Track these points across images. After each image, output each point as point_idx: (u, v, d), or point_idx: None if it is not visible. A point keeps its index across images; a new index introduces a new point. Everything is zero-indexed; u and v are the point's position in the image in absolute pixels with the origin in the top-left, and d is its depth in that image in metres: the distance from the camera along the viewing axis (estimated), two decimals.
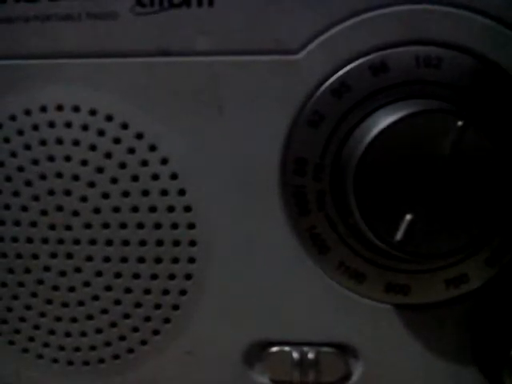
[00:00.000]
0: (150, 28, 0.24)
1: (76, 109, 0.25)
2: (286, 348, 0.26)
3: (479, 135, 0.22)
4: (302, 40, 0.24)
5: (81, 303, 0.26)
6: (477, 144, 0.22)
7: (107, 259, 0.26)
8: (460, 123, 0.22)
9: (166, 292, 0.26)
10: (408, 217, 0.22)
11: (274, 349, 0.26)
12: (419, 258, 0.22)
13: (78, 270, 0.26)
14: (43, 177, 0.25)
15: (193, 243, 0.25)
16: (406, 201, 0.22)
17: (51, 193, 0.25)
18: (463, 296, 0.25)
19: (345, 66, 0.24)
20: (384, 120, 0.22)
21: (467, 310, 0.25)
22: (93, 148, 0.25)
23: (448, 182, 0.22)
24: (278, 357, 0.26)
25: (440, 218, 0.22)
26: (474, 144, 0.22)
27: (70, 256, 0.26)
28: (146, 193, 0.25)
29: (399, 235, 0.22)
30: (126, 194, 0.25)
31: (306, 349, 0.26)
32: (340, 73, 0.24)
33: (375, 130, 0.22)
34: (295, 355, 0.26)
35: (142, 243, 0.25)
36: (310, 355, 0.26)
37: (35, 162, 0.25)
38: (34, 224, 0.26)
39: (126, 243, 0.25)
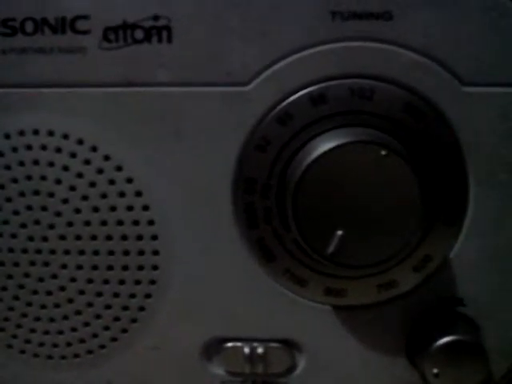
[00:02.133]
0: (115, 61, 0.27)
1: (50, 133, 0.28)
2: (239, 343, 0.29)
3: (401, 162, 0.25)
4: (251, 73, 0.27)
5: (57, 305, 0.29)
6: (398, 170, 0.25)
7: (80, 267, 0.29)
8: (383, 152, 0.25)
9: (132, 296, 0.29)
10: (339, 232, 0.25)
11: (229, 344, 0.29)
12: (348, 268, 0.26)
13: (54, 276, 0.29)
14: (22, 194, 0.28)
15: (156, 252, 0.28)
16: (338, 218, 0.25)
17: (29, 208, 0.28)
18: (393, 298, 0.28)
19: (288, 97, 0.27)
20: (320, 147, 0.26)
21: (398, 310, 0.28)
22: (66, 168, 0.28)
23: (374, 203, 0.25)
24: (232, 351, 0.29)
25: (367, 234, 0.25)
26: (396, 170, 0.25)
27: (47, 264, 0.29)
28: (113, 208, 0.28)
29: (331, 248, 0.25)
30: (95, 209, 0.28)
31: (255, 344, 0.29)
32: (284, 103, 0.27)
33: (312, 156, 0.25)
34: (246, 350, 0.29)
35: (111, 253, 0.28)
36: (260, 350, 0.29)
37: (15, 181, 0.28)
38: (14, 236, 0.29)
39: (96, 253, 0.28)
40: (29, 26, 0.27)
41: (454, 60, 0.26)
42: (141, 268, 0.29)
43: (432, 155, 0.27)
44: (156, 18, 0.27)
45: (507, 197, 0.27)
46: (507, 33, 0.26)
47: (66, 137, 0.28)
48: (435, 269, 0.28)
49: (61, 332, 0.30)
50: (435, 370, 0.27)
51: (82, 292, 0.29)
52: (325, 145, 0.26)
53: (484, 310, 0.28)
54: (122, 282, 0.29)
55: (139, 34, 0.27)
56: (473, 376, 0.27)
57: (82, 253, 0.29)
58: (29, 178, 0.28)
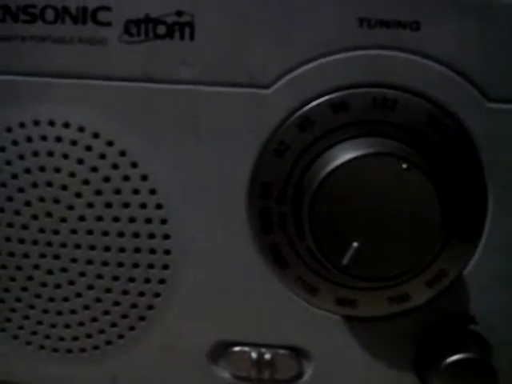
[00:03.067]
0: (135, 55, 0.27)
1: (66, 125, 0.27)
2: (246, 348, 0.29)
3: (421, 177, 0.24)
4: (273, 76, 0.26)
5: (66, 299, 0.29)
6: (419, 184, 0.24)
7: (90, 262, 0.28)
8: (404, 166, 0.24)
9: (141, 294, 0.29)
10: (355, 244, 0.25)
11: (236, 348, 0.29)
12: (362, 281, 0.25)
13: (64, 269, 0.29)
14: (35, 185, 0.28)
15: (167, 252, 0.28)
16: (354, 229, 0.25)
17: (42, 200, 0.28)
18: (405, 312, 0.28)
19: (309, 102, 0.26)
20: (340, 156, 0.25)
21: (409, 324, 0.28)
22: (80, 162, 0.28)
23: (392, 216, 0.25)
24: (239, 355, 0.29)
25: (383, 247, 0.25)
26: (416, 184, 0.24)
27: (57, 257, 0.29)
28: (126, 205, 0.28)
29: (346, 260, 0.25)
30: (108, 205, 0.28)
31: (263, 350, 0.29)
32: (305, 108, 0.26)
33: (332, 165, 0.25)
34: (254, 355, 0.29)
35: (122, 250, 0.28)
36: (267, 356, 0.29)
37: (28, 171, 0.28)
38: (25, 227, 0.28)
39: (107, 249, 0.28)
40: (49, 14, 0.27)
41: (481, 75, 0.25)
42: (151, 266, 0.28)
43: (453, 171, 0.26)
44: (179, 13, 0.26)
45: None
46: None
47: (81, 129, 0.27)
48: (449, 284, 0.27)
49: (68, 326, 0.29)
50: None
51: (91, 287, 0.29)
52: (344, 154, 0.25)
53: (496, 329, 0.28)
54: (131, 280, 0.28)
55: (161, 29, 0.26)
56: None
57: (92, 248, 0.28)
58: (42, 169, 0.28)
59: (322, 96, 0.26)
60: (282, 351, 0.29)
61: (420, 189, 0.24)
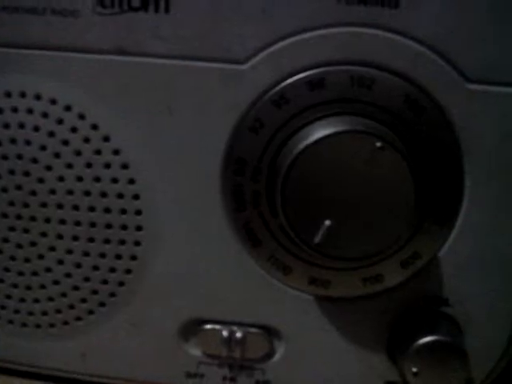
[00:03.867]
0: (109, 27, 0.26)
1: (38, 97, 0.27)
2: (218, 326, 0.29)
3: (395, 156, 0.24)
4: (249, 52, 0.26)
5: (35, 273, 0.29)
6: (393, 164, 0.24)
7: (60, 236, 0.28)
8: (378, 144, 0.24)
9: (112, 270, 0.28)
10: (327, 222, 0.25)
11: (207, 326, 0.29)
12: (334, 260, 0.25)
13: (33, 244, 0.28)
14: (5, 157, 0.27)
15: (139, 228, 0.28)
16: (327, 208, 0.25)
17: (12, 172, 0.28)
18: (378, 293, 0.28)
19: (285, 79, 0.26)
20: (314, 134, 0.25)
21: (382, 305, 0.28)
22: (51, 134, 0.27)
23: (365, 195, 0.24)
24: (210, 333, 0.29)
25: (355, 227, 0.25)
26: (390, 163, 0.24)
27: (26, 231, 0.28)
28: (98, 179, 0.27)
29: (318, 238, 0.25)
30: (79, 178, 0.27)
31: (234, 328, 0.29)
32: (281, 85, 0.26)
33: (305, 143, 0.25)
34: (225, 333, 0.29)
35: (93, 225, 0.28)
36: (238, 334, 0.29)
37: None
38: None
39: (77, 224, 0.28)
40: None
41: (460, 55, 0.25)
42: (122, 243, 0.28)
43: (429, 151, 0.26)
44: None
45: (502, 200, 0.26)
46: None
47: (53, 102, 0.27)
48: (423, 266, 0.27)
49: (37, 300, 0.29)
50: (414, 369, 0.26)
51: (60, 262, 0.28)
52: (319, 132, 0.25)
53: (468, 311, 0.28)
54: (102, 256, 0.28)
55: (136, 1, 0.26)
56: (452, 378, 0.26)
57: (62, 222, 0.28)
58: (13, 141, 0.27)
59: (299, 73, 0.26)
60: (253, 330, 0.29)
61: (394, 168, 0.24)
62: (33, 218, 0.28)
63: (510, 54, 0.25)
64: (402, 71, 0.25)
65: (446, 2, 0.25)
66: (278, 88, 0.26)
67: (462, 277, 0.27)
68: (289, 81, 0.26)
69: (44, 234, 0.28)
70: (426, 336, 0.27)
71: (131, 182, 0.27)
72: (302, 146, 0.25)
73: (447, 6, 0.25)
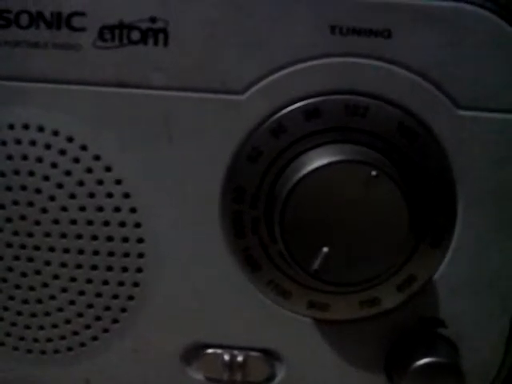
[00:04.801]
0: (109, 61, 0.27)
1: (40, 129, 0.28)
2: (219, 350, 0.29)
3: (390, 184, 0.25)
4: (246, 83, 0.26)
5: (39, 301, 0.29)
6: (388, 191, 0.25)
7: (64, 265, 0.29)
8: (374, 173, 0.25)
9: (115, 296, 0.29)
10: (325, 249, 0.25)
11: (209, 350, 0.29)
12: (332, 286, 0.26)
13: (37, 272, 0.29)
14: (9, 188, 0.28)
15: (141, 255, 0.28)
16: (324, 235, 0.25)
17: (16, 203, 0.28)
18: (375, 315, 0.28)
19: (282, 109, 0.26)
20: (311, 162, 0.25)
21: (379, 327, 0.29)
22: (54, 166, 0.28)
23: (361, 222, 0.25)
24: (212, 357, 0.29)
25: (352, 253, 0.25)
26: (385, 190, 0.25)
27: (30, 260, 0.29)
28: (100, 209, 0.28)
29: (316, 265, 0.25)
30: (82, 208, 0.28)
31: (235, 352, 0.29)
32: (278, 115, 0.26)
33: (303, 171, 0.25)
34: (226, 357, 0.29)
35: (96, 253, 0.28)
36: (239, 358, 0.29)
37: (2, 175, 0.28)
38: None
39: (81, 252, 0.28)
40: (24, 19, 0.27)
41: (451, 83, 0.26)
42: (125, 270, 0.28)
43: (423, 177, 0.26)
44: (153, 20, 0.26)
45: (494, 223, 0.27)
46: (506, 58, 0.25)
47: (56, 133, 0.28)
48: (419, 289, 0.28)
49: (42, 327, 0.30)
50: None
51: (64, 290, 0.29)
52: (316, 160, 0.25)
53: (464, 332, 0.28)
54: (105, 283, 0.29)
55: (135, 35, 0.26)
56: None
57: (66, 251, 0.28)
58: (16, 172, 0.28)
59: (295, 102, 0.26)
60: (254, 353, 0.29)
61: (389, 195, 0.25)
62: (37, 248, 0.29)
63: (500, 80, 0.26)
64: (396, 99, 0.26)
65: (436, 32, 0.25)
66: (274, 117, 0.27)
67: (457, 298, 0.28)
68: (285, 110, 0.26)
69: (48, 263, 0.29)
70: (423, 357, 0.27)
71: (133, 210, 0.28)
72: (299, 175, 0.25)
73: (437, 36, 0.25)
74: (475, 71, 0.26)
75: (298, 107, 0.26)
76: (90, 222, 0.28)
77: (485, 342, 0.28)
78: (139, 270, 0.29)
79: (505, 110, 0.26)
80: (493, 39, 0.25)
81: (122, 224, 0.28)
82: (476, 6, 0.25)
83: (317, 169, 0.25)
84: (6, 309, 0.30)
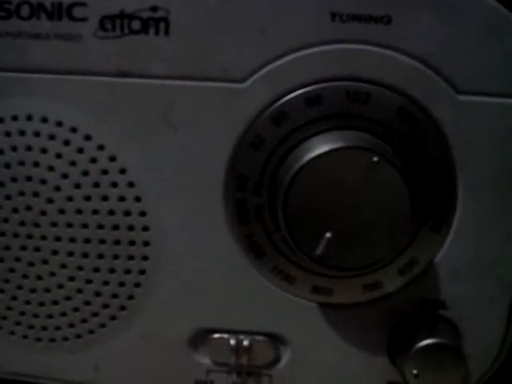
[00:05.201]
0: (111, 50, 0.27)
1: (44, 120, 0.28)
2: (225, 335, 0.30)
3: (391, 169, 0.25)
4: (247, 71, 0.27)
5: (47, 290, 0.30)
6: (389, 177, 0.25)
7: (71, 254, 0.29)
8: (375, 159, 0.25)
9: (122, 284, 0.29)
10: (328, 235, 0.26)
11: (215, 335, 0.30)
12: (335, 270, 0.26)
13: (45, 261, 0.29)
14: (14, 179, 0.28)
15: (146, 243, 0.29)
16: (327, 220, 0.25)
17: (21, 194, 0.28)
18: (378, 298, 0.29)
19: (284, 96, 0.27)
20: (313, 149, 0.26)
21: (382, 310, 0.29)
22: (59, 156, 0.28)
23: (363, 207, 0.25)
24: (218, 342, 0.30)
25: (355, 238, 0.26)
26: (386, 176, 0.25)
27: (37, 249, 0.29)
28: (105, 198, 0.28)
29: (319, 250, 0.26)
30: (87, 198, 0.28)
31: (241, 336, 0.30)
32: (279, 102, 0.27)
33: (305, 158, 0.26)
34: (232, 341, 0.30)
35: (102, 241, 0.29)
36: (245, 342, 0.30)
37: (7, 166, 0.28)
38: (6, 220, 0.29)
39: (87, 241, 0.29)
40: (24, 10, 0.27)
41: (451, 68, 0.26)
42: (131, 258, 0.29)
43: (423, 162, 0.27)
44: (154, 8, 0.27)
45: (494, 207, 0.27)
46: (505, 43, 0.26)
47: (59, 124, 0.28)
48: (420, 272, 0.28)
49: (50, 316, 0.30)
50: (415, 371, 0.27)
51: (72, 278, 0.29)
52: (318, 147, 0.26)
53: (464, 314, 0.29)
54: (112, 271, 0.29)
55: (136, 25, 0.27)
56: (451, 378, 0.27)
57: (72, 240, 0.29)
58: (21, 163, 0.28)
59: (296, 90, 0.27)
60: (259, 337, 0.30)
61: (390, 181, 0.25)
62: (43, 237, 0.29)
63: (499, 65, 0.26)
64: (396, 85, 0.26)
65: (436, 18, 0.26)
66: (276, 105, 0.27)
67: (458, 281, 0.28)
68: (287, 98, 0.27)
69: (55, 252, 0.29)
70: (424, 339, 0.28)
71: (137, 199, 0.28)
72: (301, 161, 0.25)
73: (437, 22, 0.26)
74: (474, 56, 0.26)
75: (300, 94, 0.27)
76: (95, 212, 0.28)
77: (485, 323, 0.29)
78: (145, 258, 0.29)
79: (504, 95, 0.26)
80: (492, 24, 0.25)
81: (127, 213, 0.28)
82: None
83: (319, 155, 0.25)
84: (14, 298, 0.30)
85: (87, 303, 0.30)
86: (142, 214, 0.28)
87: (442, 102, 0.26)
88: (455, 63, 0.26)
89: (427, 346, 0.27)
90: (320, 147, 0.26)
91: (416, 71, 0.26)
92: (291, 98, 0.27)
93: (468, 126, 0.26)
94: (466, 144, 0.27)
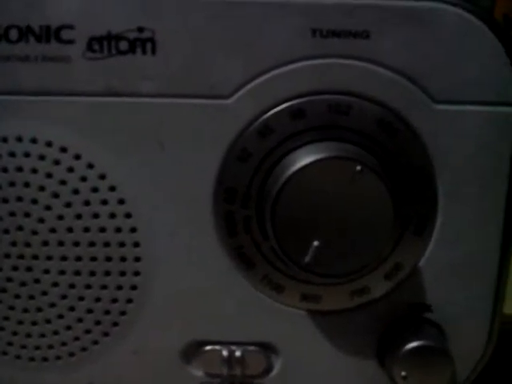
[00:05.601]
0: (99, 71, 0.27)
1: (34, 140, 0.28)
2: (217, 347, 0.30)
3: (374, 177, 0.26)
4: (232, 87, 0.27)
5: (39, 309, 0.30)
6: (372, 185, 0.26)
7: (62, 272, 0.29)
8: (358, 168, 0.26)
9: (114, 300, 0.30)
10: (315, 243, 0.26)
11: (207, 347, 0.30)
12: (323, 278, 0.27)
13: (36, 281, 0.29)
14: (5, 200, 0.29)
15: (138, 259, 0.29)
16: (314, 229, 0.26)
17: (12, 214, 0.29)
18: (365, 304, 0.30)
19: (268, 111, 0.28)
20: (299, 160, 0.27)
21: (370, 315, 0.30)
22: (49, 176, 0.28)
23: (348, 215, 0.26)
24: (211, 354, 0.30)
25: (341, 245, 0.26)
26: (369, 184, 0.26)
27: (29, 269, 0.29)
28: (96, 215, 0.29)
29: (307, 258, 0.26)
30: (78, 216, 0.29)
31: (233, 347, 0.30)
32: (264, 117, 0.28)
33: (291, 170, 0.26)
34: (224, 353, 0.30)
35: (93, 259, 0.29)
36: (237, 353, 0.30)
37: None
38: None
39: (79, 259, 0.29)
40: (13, 34, 0.27)
41: (427, 78, 0.27)
42: (122, 274, 0.29)
43: (404, 169, 0.28)
44: (140, 29, 0.27)
45: (473, 210, 0.28)
46: (477, 53, 0.27)
47: (49, 144, 0.28)
48: (405, 276, 0.29)
49: (43, 335, 0.30)
50: (403, 373, 0.28)
51: (64, 296, 0.30)
52: (303, 158, 0.27)
53: (450, 317, 0.30)
54: (103, 287, 0.29)
55: (123, 45, 0.27)
56: (438, 379, 0.28)
57: (64, 258, 0.29)
58: (12, 184, 0.29)
59: (280, 104, 0.28)
60: (251, 348, 0.30)
61: (373, 189, 0.26)
62: (35, 257, 0.29)
63: (474, 74, 0.27)
64: (376, 97, 0.27)
65: (412, 31, 0.27)
66: (261, 119, 0.28)
67: (442, 284, 0.29)
68: (271, 112, 0.28)
69: (47, 271, 0.29)
70: (412, 341, 0.28)
71: (128, 216, 0.29)
72: (287, 173, 0.26)
73: (412, 35, 0.27)
74: (449, 67, 0.27)
75: (284, 108, 0.28)
76: (86, 229, 0.29)
77: (469, 325, 0.30)
78: (136, 274, 0.29)
79: (479, 103, 0.27)
80: (464, 35, 0.27)
81: (118, 229, 0.29)
82: (448, 4, 0.27)
83: (304, 166, 0.26)
84: (6, 318, 0.30)
85: (79, 320, 0.30)
86: (133, 230, 0.29)
87: (420, 112, 0.27)
88: (431, 74, 0.27)
89: (414, 348, 0.28)
90: (305, 158, 0.26)
91: (394, 83, 0.27)
92: (276, 112, 0.28)
93: (446, 134, 0.28)
94: (445, 151, 0.28)
